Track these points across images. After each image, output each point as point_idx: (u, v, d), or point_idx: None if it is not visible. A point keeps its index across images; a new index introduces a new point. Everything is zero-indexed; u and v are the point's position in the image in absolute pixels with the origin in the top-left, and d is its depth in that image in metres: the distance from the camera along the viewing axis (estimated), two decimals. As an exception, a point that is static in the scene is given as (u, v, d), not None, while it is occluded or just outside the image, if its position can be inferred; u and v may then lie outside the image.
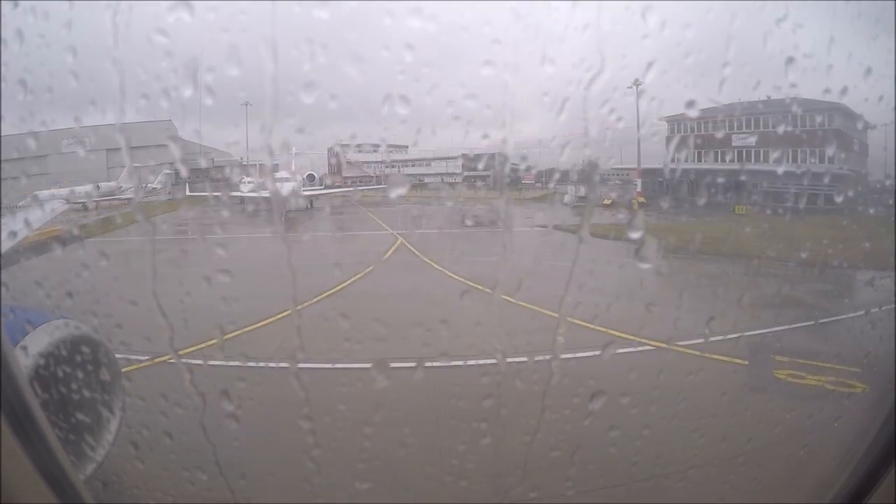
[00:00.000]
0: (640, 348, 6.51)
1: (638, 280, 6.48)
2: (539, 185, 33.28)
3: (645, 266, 2.95)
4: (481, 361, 5.17)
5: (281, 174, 22.18)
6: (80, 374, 2.99)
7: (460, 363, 5.29)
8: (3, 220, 4.84)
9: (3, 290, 3.11)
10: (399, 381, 4.51)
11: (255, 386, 4.36)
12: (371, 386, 4.08)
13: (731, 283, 10.09)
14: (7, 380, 1.45)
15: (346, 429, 3.90)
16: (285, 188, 20.40)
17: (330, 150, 44.20)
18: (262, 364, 5.37)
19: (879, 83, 3.71)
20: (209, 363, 4.03)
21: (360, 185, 42.97)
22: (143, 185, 25.86)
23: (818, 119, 19.83)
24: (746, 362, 6.53)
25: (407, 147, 36.49)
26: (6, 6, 2.96)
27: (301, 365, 4.01)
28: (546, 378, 3.44)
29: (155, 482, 3.37)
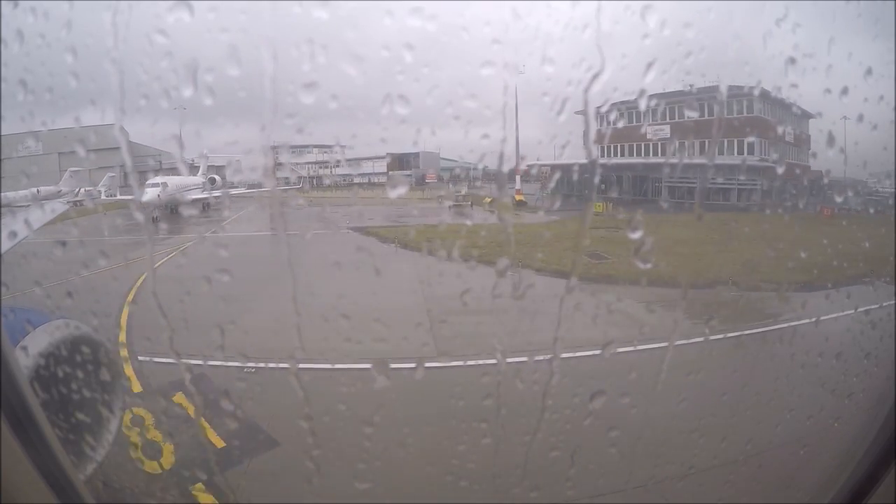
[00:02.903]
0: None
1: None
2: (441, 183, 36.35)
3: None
4: (482, 361, 5.17)
5: (155, 179, 22.32)
6: (80, 374, 2.98)
7: (460, 363, 5.29)
8: (3, 221, 4.83)
9: (3, 289, 3.11)
10: (399, 380, 4.49)
11: (255, 386, 4.37)
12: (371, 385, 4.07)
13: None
14: (7, 380, 1.45)
15: (346, 429, 3.90)
16: (149, 193, 20.54)
17: (269, 150, 44.30)
18: (261, 364, 5.37)
19: (880, 83, 3.70)
20: (209, 363, 4.03)
21: (283, 187, 43.12)
22: (78, 189, 26.13)
23: (738, 107, 18.34)
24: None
25: (333, 147, 36.79)
26: (6, 6, 2.95)
27: (301, 365, 3.98)
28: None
29: (155, 482, 3.37)
